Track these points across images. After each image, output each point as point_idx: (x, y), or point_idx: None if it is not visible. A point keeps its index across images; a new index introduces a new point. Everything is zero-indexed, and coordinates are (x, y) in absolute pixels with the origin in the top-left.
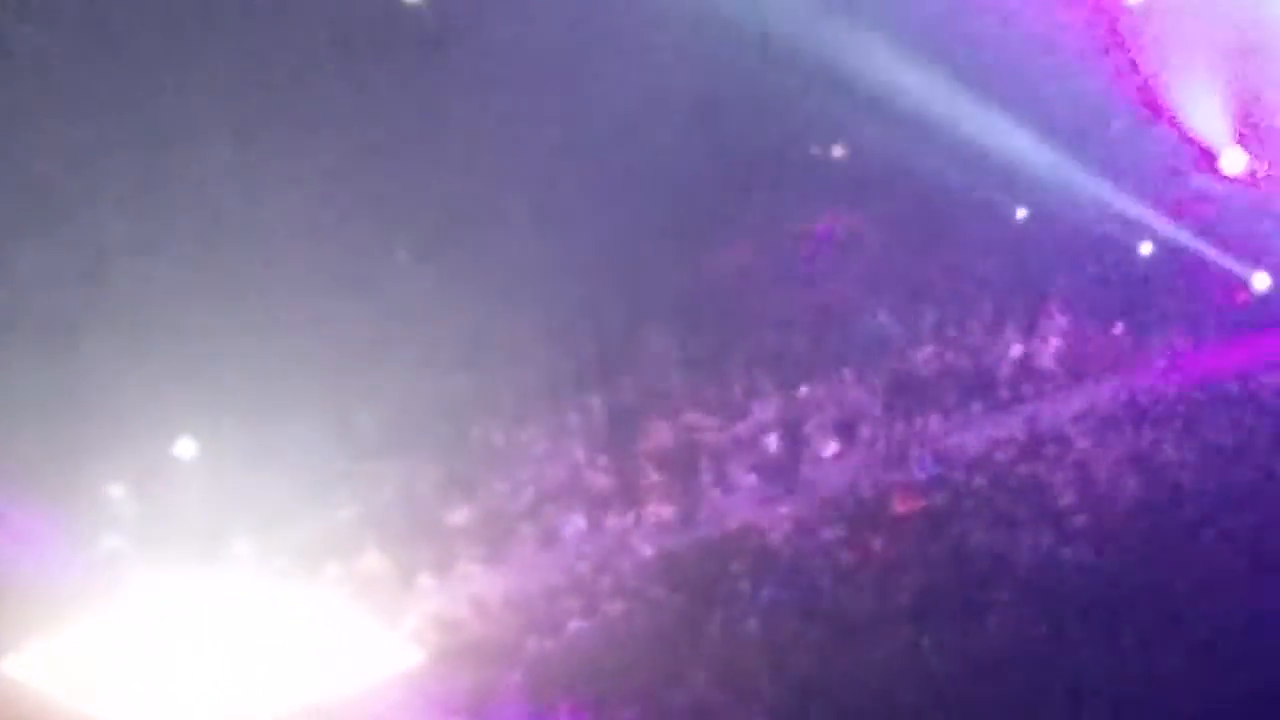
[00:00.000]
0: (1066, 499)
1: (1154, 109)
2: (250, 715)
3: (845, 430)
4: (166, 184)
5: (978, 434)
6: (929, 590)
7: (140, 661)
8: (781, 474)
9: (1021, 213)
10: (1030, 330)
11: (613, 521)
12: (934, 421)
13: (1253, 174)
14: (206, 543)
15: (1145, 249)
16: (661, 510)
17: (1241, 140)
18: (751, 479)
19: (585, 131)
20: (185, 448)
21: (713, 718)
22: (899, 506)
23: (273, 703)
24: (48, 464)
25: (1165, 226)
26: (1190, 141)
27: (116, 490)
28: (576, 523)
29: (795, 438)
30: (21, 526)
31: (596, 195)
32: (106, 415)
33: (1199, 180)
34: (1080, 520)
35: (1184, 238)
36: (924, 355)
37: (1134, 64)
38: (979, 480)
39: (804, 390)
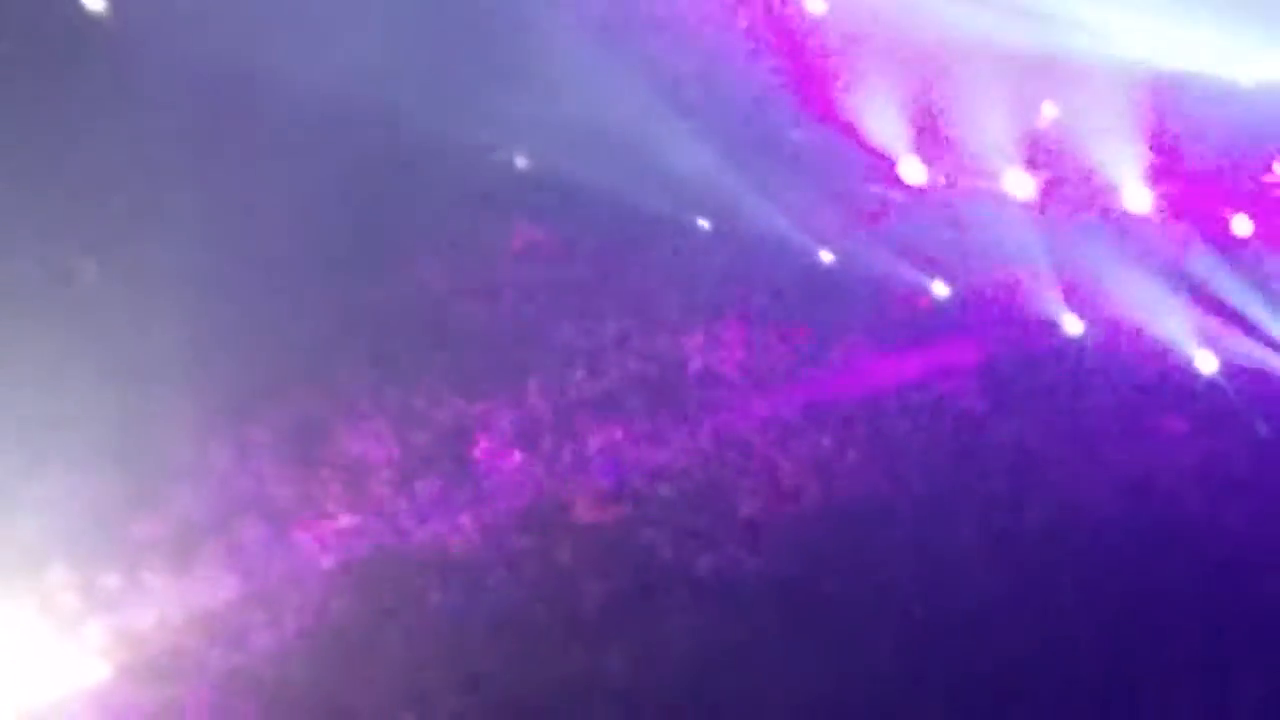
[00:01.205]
0: (749, 507)
1: (832, 119)
2: None
3: (529, 441)
4: None
5: (661, 443)
6: (613, 599)
7: None
8: (465, 484)
9: (703, 224)
10: (713, 341)
11: (298, 534)
12: (618, 431)
13: (931, 183)
14: None
15: (825, 258)
16: (346, 521)
17: (919, 150)
18: (436, 490)
19: (267, 142)
20: None
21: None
22: (583, 515)
23: None
24: None
25: (845, 236)
26: (869, 151)
27: None
28: (262, 535)
29: (479, 449)
30: None
31: (282, 207)
32: None
33: (878, 190)
34: (763, 527)
35: (864, 247)
36: (607, 366)
37: (812, 74)
38: (663, 489)
39: (488, 402)
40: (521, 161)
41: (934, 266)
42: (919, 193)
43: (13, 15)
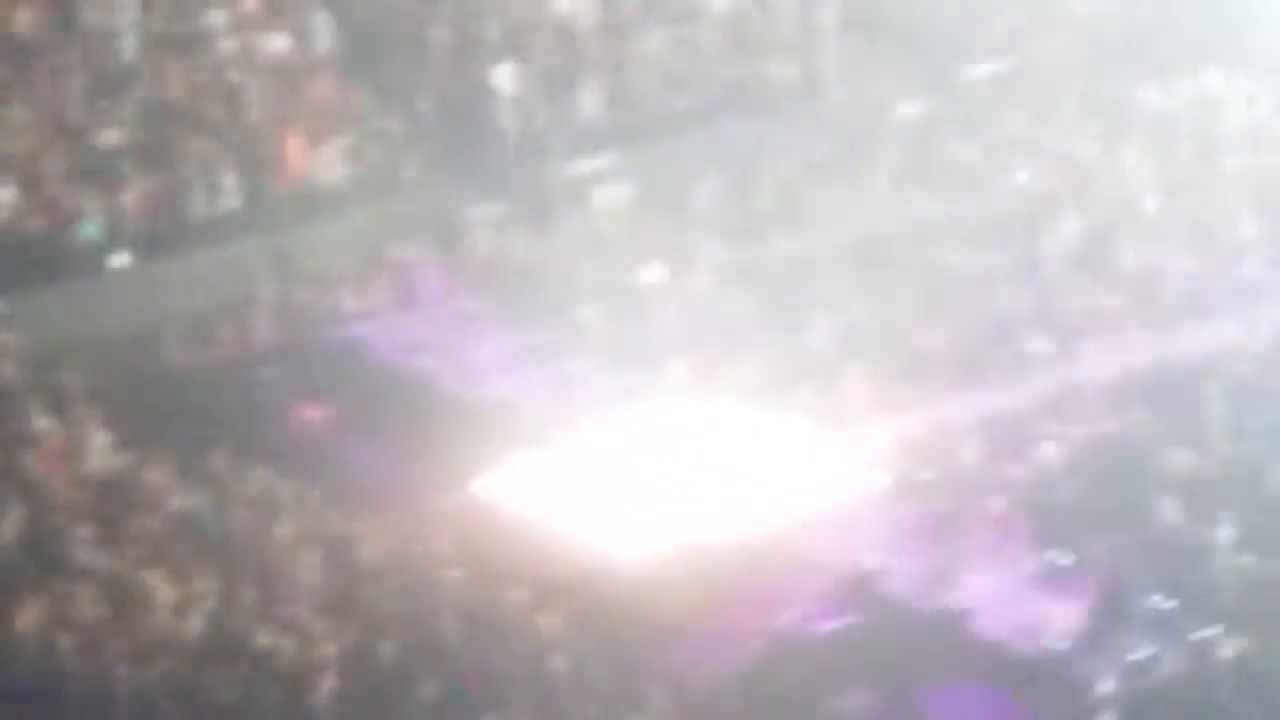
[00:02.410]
0: None
1: None
2: (711, 540)
3: None
4: None
5: None
6: None
7: (607, 485)
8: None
9: None
10: None
11: (1085, 347)
12: None
13: None
14: (675, 367)
15: None
16: (1133, 334)
17: None
18: (1225, 304)
19: None
20: (654, 272)
21: (1180, 542)
22: None
23: (741, 526)
24: (521, 288)
25: None
26: None
27: (587, 313)
28: (1047, 348)
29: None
30: (493, 350)
31: None
32: (579, 241)
33: None
34: None
35: None
36: None
37: None
38: None
39: None
40: None
41: None
42: None
43: None
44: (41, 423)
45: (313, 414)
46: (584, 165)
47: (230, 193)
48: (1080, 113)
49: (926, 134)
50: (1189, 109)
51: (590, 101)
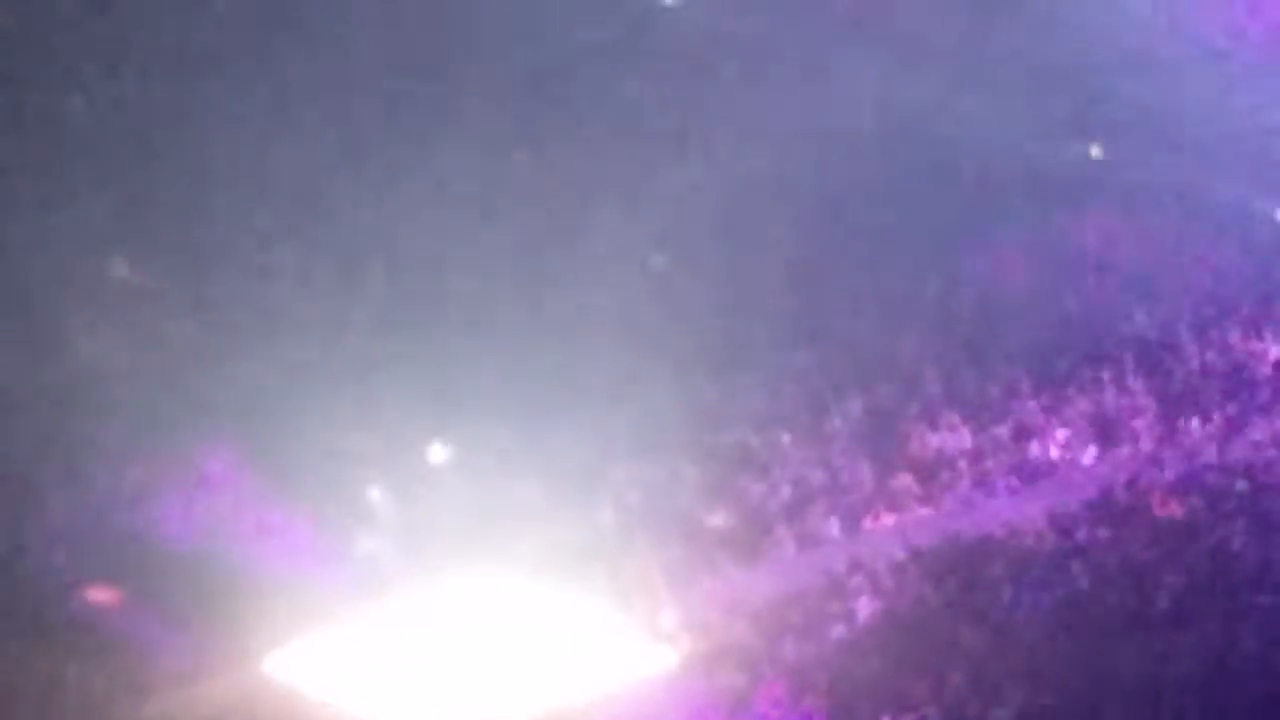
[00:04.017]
0: None
1: None
2: (506, 715)
3: (1104, 432)
4: (422, 188)
5: (1238, 437)
6: (1187, 593)
7: (398, 661)
8: (1038, 475)
9: None
10: None
11: (869, 524)
12: (1194, 424)
13: None
14: (463, 545)
15: None
16: (918, 512)
17: None
18: (1009, 480)
19: (833, 134)
20: (440, 452)
21: (969, 718)
22: (1156, 509)
23: (529, 702)
24: (308, 469)
25: None
26: None
27: (375, 494)
28: (833, 526)
29: (1053, 439)
30: (283, 530)
31: (849, 195)
32: (365, 419)
33: None
34: None
35: None
36: (1184, 357)
37: None
38: (1239, 483)
39: (1062, 392)
40: (1095, 151)
41: None
42: None
43: None
44: None
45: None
46: None
47: None
48: None
49: None
50: None
51: None
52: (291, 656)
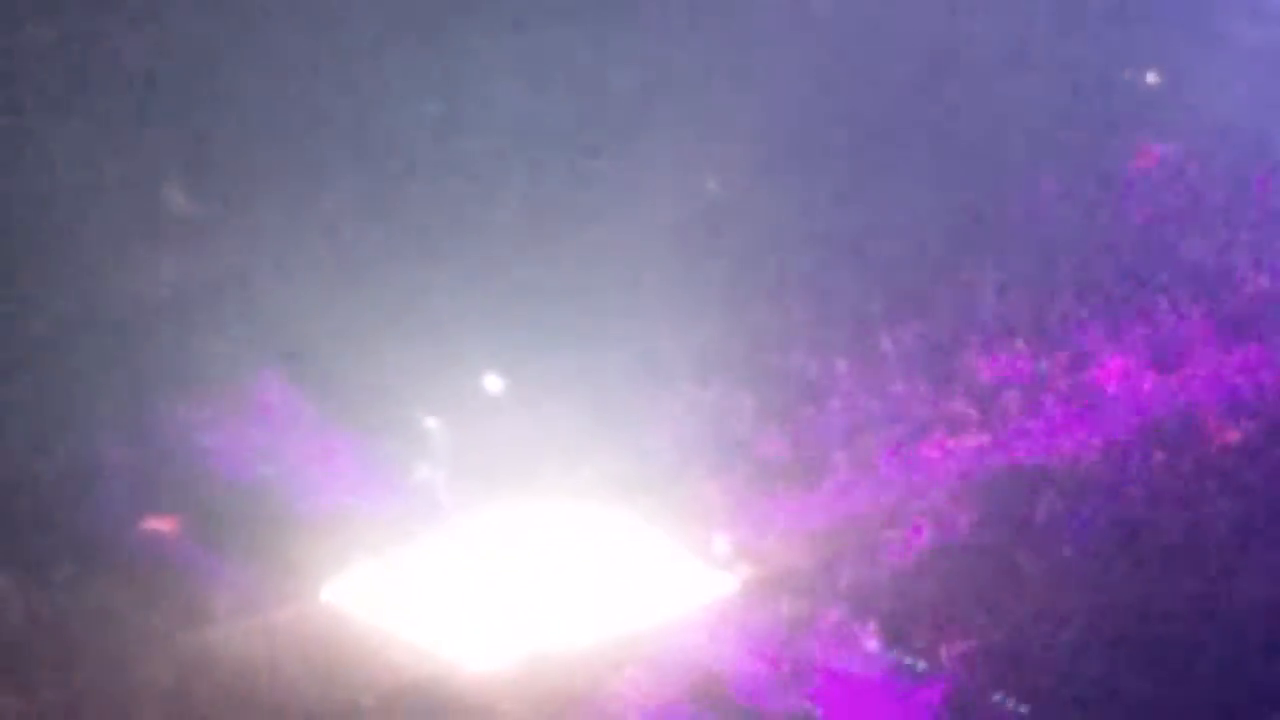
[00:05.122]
0: None
1: None
2: (558, 645)
3: (1161, 358)
4: (473, 112)
5: None
6: (1245, 519)
7: (454, 590)
8: (1095, 401)
9: None
10: None
11: (927, 450)
12: (1253, 351)
13: None
14: (519, 473)
15: None
16: (976, 438)
17: None
18: (1065, 407)
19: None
20: (495, 381)
21: (1030, 645)
22: (1214, 434)
23: (581, 632)
24: (364, 397)
25: None
26: None
27: (430, 423)
28: (889, 452)
29: (1110, 365)
30: (339, 459)
31: (901, 119)
32: (419, 348)
33: None
34: None
35: None
36: (1241, 283)
37: None
38: None
39: (1118, 318)
40: (1152, 77)
41: None
42: None
43: None
44: None
45: (157, 523)
46: None
47: None
48: None
49: None
50: None
51: None
52: (349, 586)
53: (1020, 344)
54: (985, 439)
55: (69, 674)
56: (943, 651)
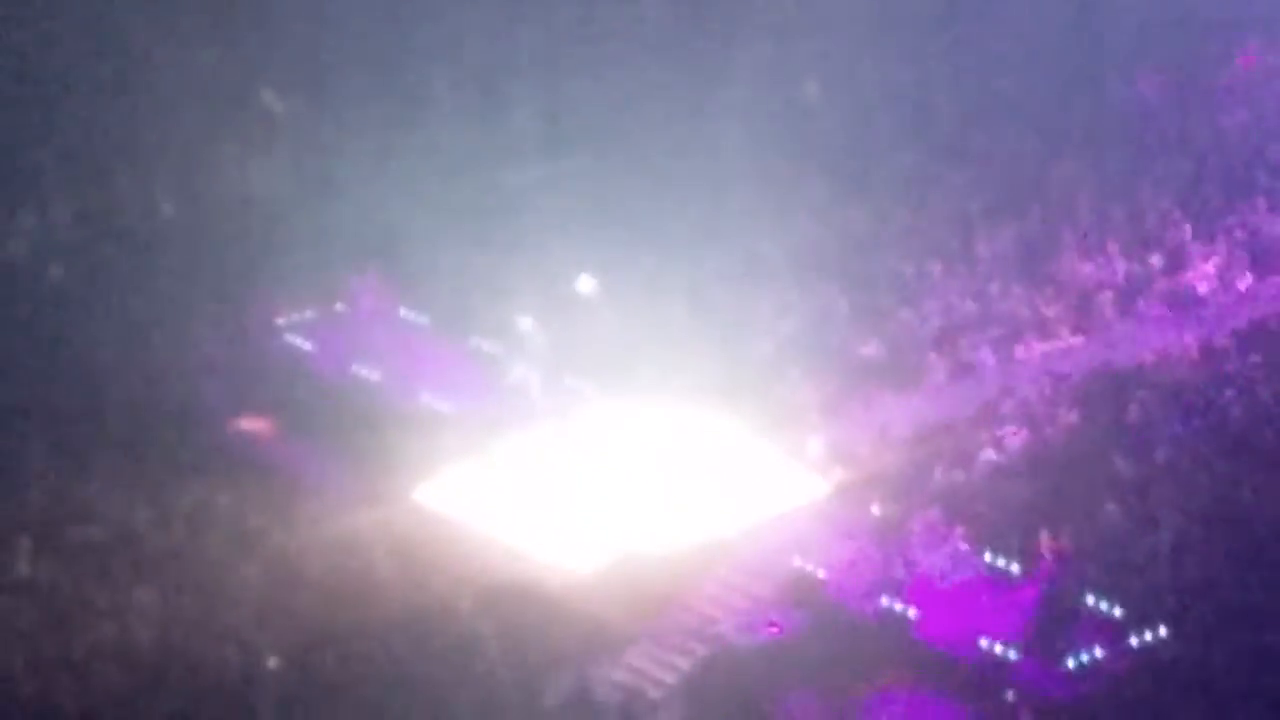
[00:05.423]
0: None
1: None
2: (652, 546)
3: (1255, 261)
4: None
5: None
6: None
7: (551, 490)
8: (1190, 304)
9: None
10: None
11: (1022, 352)
12: None
13: None
14: (615, 375)
15: None
16: (1072, 340)
17: None
18: (1161, 310)
19: None
20: (589, 282)
21: (1122, 545)
22: None
23: (675, 534)
24: (459, 299)
25: None
26: None
27: (526, 323)
28: (986, 354)
29: (1204, 268)
30: (435, 359)
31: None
32: (517, 250)
33: None
34: None
35: None
36: None
37: None
38: None
39: (1212, 221)
40: None
41: None
42: None
43: None
44: None
45: (252, 422)
46: None
47: None
48: None
49: None
50: None
51: None
52: (444, 486)
53: (1114, 247)
54: (1080, 341)
55: (165, 574)
56: (1036, 553)
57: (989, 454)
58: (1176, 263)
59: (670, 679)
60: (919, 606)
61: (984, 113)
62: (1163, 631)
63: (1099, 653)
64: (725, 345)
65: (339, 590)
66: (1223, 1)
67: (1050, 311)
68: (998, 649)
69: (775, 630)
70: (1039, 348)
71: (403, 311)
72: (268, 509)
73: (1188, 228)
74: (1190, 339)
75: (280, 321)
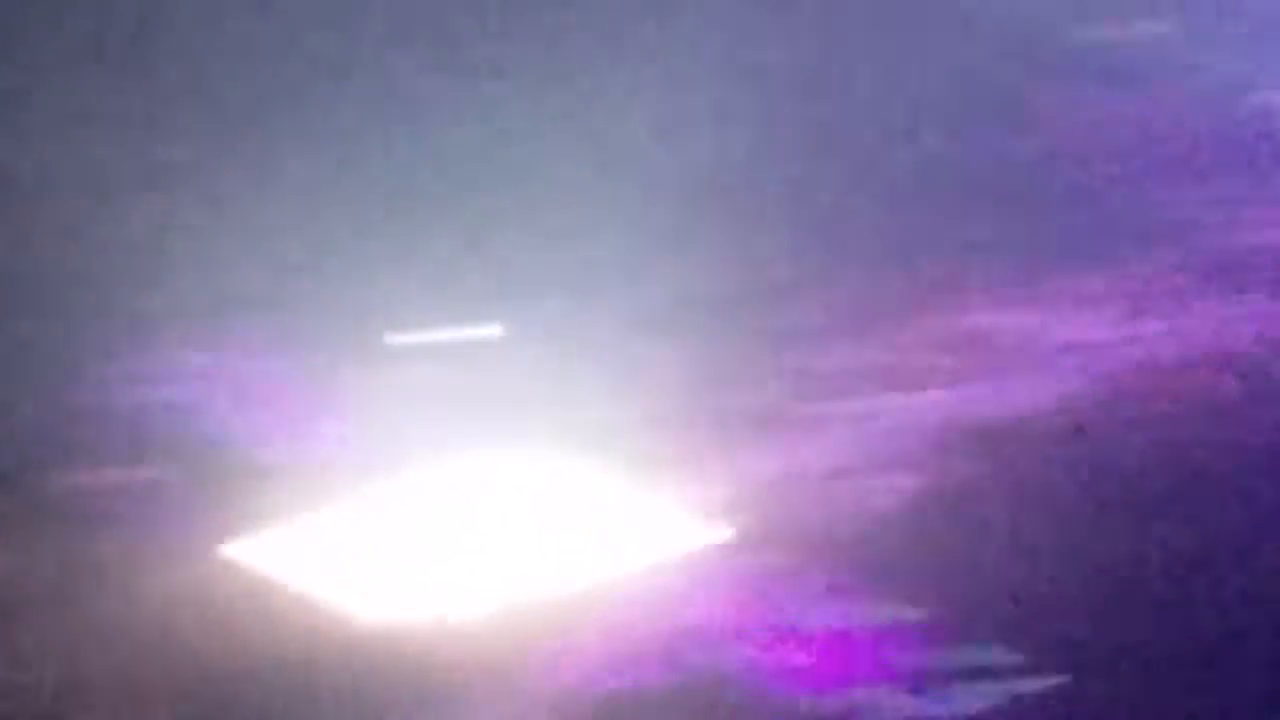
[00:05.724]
0: None
1: None
2: (534, 596)
3: (1145, 309)
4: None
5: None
6: (1237, 470)
7: (411, 545)
8: (1081, 351)
9: None
10: None
11: (914, 399)
12: (1236, 301)
13: None
14: (484, 422)
15: None
16: (959, 389)
17: None
18: (1056, 357)
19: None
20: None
21: (1015, 593)
22: (1204, 384)
23: (556, 583)
24: (332, 337)
25: None
26: None
27: (404, 365)
28: (877, 401)
29: (1095, 317)
30: (297, 399)
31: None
32: (401, 287)
33: None
34: None
35: None
36: (1225, 237)
37: None
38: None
39: (1101, 271)
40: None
41: None
42: None
43: None
44: None
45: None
46: None
47: None
48: None
49: None
50: None
51: None
52: (266, 541)
53: (1004, 296)
54: (970, 388)
55: None
56: (927, 602)
57: (879, 502)
58: (1066, 311)
59: None
60: (803, 657)
61: (867, 169)
62: (1057, 679)
63: (991, 700)
64: (606, 394)
65: (135, 652)
66: (1113, 52)
67: (944, 359)
68: (886, 699)
69: (653, 683)
70: (932, 394)
71: (268, 355)
72: (86, 560)
73: (1077, 277)
74: (1084, 386)
75: (133, 372)
